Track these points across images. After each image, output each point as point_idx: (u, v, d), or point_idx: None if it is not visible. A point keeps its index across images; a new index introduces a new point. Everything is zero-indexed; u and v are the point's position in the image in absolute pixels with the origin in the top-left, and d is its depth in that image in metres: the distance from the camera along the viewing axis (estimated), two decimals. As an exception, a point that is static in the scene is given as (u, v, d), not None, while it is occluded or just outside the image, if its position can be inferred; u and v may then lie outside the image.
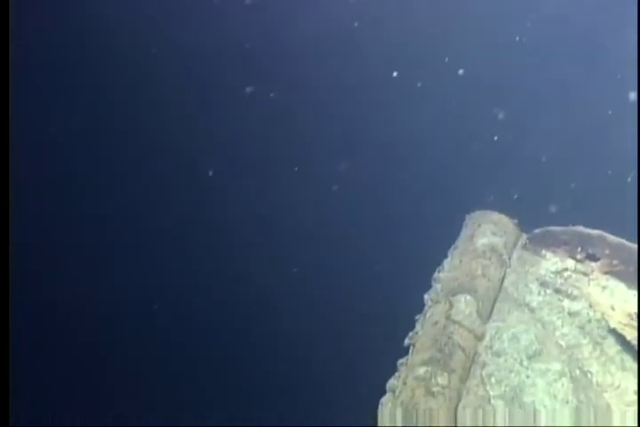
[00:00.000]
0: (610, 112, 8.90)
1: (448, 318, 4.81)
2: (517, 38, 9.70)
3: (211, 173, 9.11)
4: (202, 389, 7.54)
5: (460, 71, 9.13)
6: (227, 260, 8.45)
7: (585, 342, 4.81)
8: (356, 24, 9.85)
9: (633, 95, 8.07)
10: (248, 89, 9.44)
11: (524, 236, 5.46)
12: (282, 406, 6.86)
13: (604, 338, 4.82)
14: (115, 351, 7.70)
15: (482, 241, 5.22)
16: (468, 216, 5.48)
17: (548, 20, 9.57)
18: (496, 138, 8.94)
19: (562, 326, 4.93)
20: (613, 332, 4.79)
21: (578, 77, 9.23)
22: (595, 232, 5.25)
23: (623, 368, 4.63)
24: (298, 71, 9.47)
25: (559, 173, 8.41)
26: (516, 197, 5.34)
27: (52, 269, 8.08)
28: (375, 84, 9.40)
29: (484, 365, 4.63)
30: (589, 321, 4.93)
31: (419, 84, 9.34)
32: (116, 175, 9.22)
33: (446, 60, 9.56)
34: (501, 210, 5.36)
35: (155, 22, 9.97)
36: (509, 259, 5.27)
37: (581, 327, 4.91)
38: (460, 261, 5.13)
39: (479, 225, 5.32)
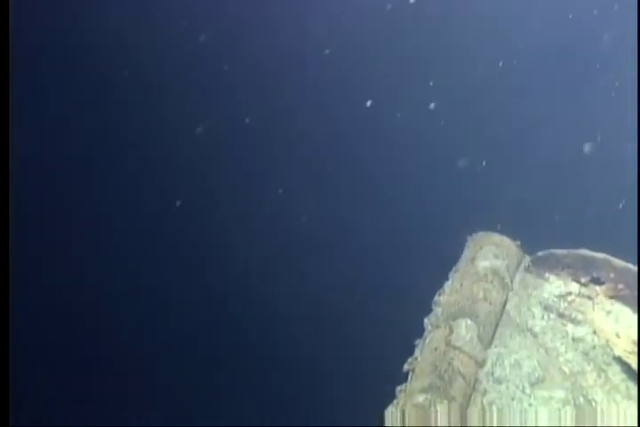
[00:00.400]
0: (599, 138, 8.86)
1: (448, 343, 4.70)
2: (501, 64, 9.63)
3: (203, 181, 9.06)
4: (202, 389, 7.48)
5: (432, 105, 9.05)
6: (225, 261, 8.39)
7: (589, 368, 4.69)
8: (327, 51, 9.79)
9: (587, 147, 8.03)
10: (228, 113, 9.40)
11: (527, 258, 5.34)
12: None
13: (608, 365, 4.70)
14: (115, 351, 7.65)
15: (483, 264, 5.10)
16: (469, 238, 5.36)
17: (536, 47, 9.53)
18: (484, 163, 8.88)
19: (565, 351, 4.80)
20: (618, 359, 4.66)
21: (564, 106, 9.20)
22: (599, 255, 5.14)
23: (629, 397, 4.50)
24: (270, 97, 9.42)
25: (547, 203, 8.34)
26: (499, 227, 5.24)
27: (53, 269, 8.04)
28: (350, 114, 9.32)
29: (484, 392, 4.52)
30: (594, 347, 4.80)
31: (398, 115, 9.25)
32: (114, 175, 9.20)
33: (431, 83, 9.48)
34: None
35: (155, 23, 9.99)
36: (512, 282, 5.15)
37: (586, 353, 4.78)
38: (461, 285, 5.02)
39: (481, 247, 5.20)
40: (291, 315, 7.66)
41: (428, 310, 4.93)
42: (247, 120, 9.37)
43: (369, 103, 9.27)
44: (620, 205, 8.16)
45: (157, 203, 8.93)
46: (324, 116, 9.24)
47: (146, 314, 8.03)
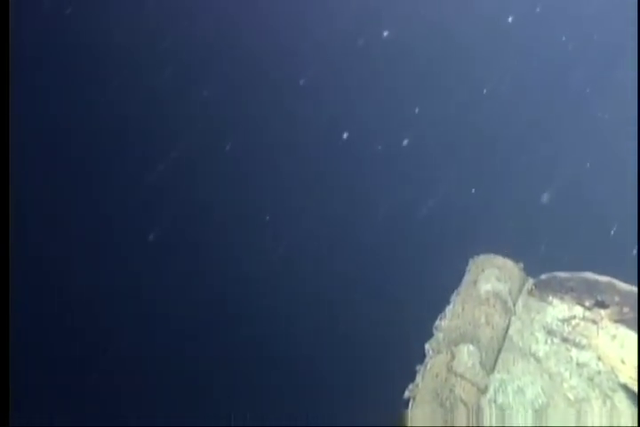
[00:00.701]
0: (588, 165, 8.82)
1: (450, 369, 4.62)
2: (485, 91, 9.54)
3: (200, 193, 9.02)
4: (202, 389, 7.45)
5: (405, 142, 8.97)
6: (225, 262, 8.35)
7: (594, 395, 4.59)
8: (301, 82, 9.68)
9: (545, 197, 7.96)
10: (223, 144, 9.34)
11: (530, 281, 5.23)
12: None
13: (614, 391, 4.60)
14: (115, 351, 7.63)
15: (485, 287, 5.01)
16: (471, 260, 5.26)
17: (520, 74, 9.47)
18: (474, 190, 8.82)
19: (570, 377, 4.70)
20: (624, 386, 4.57)
21: (554, 131, 9.14)
22: (603, 278, 5.04)
23: (635, 424, 4.42)
24: (250, 128, 9.36)
25: (549, 225, 8.29)
26: (500, 249, 5.17)
27: (53, 270, 8.02)
28: (329, 146, 9.23)
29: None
30: (599, 373, 4.70)
31: (379, 147, 9.16)
32: (114, 176, 9.16)
33: (416, 110, 9.38)
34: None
35: (155, 22, 9.91)
36: (514, 306, 5.05)
37: (591, 379, 4.68)
38: (463, 309, 4.93)
39: (482, 270, 5.11)
40: (290, 326, 7.61)
41: (429, 335, 4.84)
42: (227, 148, 9.33)
43: (345, 135, 9.19)
44: (612, 232, 8.12)
45: (159, 203, 8.87)
46: (301, 146, 9.17)
47: (146, 314, 8.00)
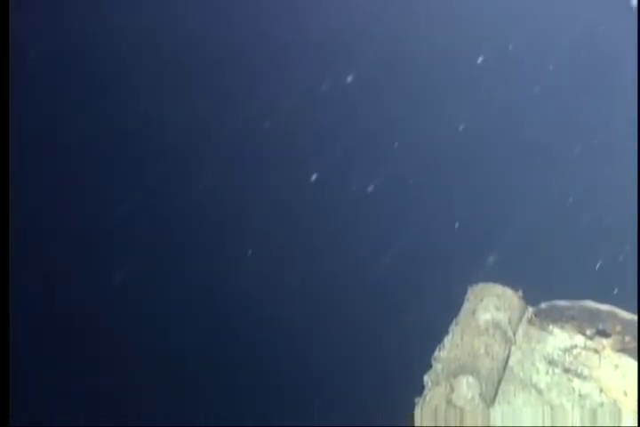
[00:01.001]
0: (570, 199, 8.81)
1: (449, 402, 4.53)
2: (461, 128, 9.55)
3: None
4: (202, 389, 7.39)
5: (370, 188, 8.98)
6: (228, 263, 8.29)
7: (598, 427, 4.50)
8: (267, 125, 9.68)
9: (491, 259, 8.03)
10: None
11: (530, 310, 5.14)
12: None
13: (618, 423, 4.51)
14: (115, 351, 7.56)
15: (484, 317, 4.93)
16: (470, 289, 5.18)
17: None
18: (457, 225, 8.78)
19: (572, 409, 4.61)
20: (628, 418, 4.47)
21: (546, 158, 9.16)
22: (604, 307, 4.95)
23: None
24: (216, 167, 9.37)
25: (548, 253, 8.26)
26: (500, 277, 5.11)
27: (53, 269, 7.98)
28: (299, 190, 9.21)
29: (488, 454, 4.35)
30: (602, 404, 4.61)
31: (353, 187, 9.15)
32: (115, 174, 9.12)
33: (396, 144, 9.38)
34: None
35: (156, 23, 9.93)
36: (514, 335, 4.96)
37: (593, 411, 4.58)
38: (462, 339, 4.84)
39: (481, 299, 5.03)
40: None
41: (428, 367, 4.76)
42: (204, 182, 9.32)
43: (314, 177, 9.18)
44: (621, 257, 8.06)
45: (160, 202, 8.83)
46: (269, 191, 9.16)
47: (145, 314, 7.93)
